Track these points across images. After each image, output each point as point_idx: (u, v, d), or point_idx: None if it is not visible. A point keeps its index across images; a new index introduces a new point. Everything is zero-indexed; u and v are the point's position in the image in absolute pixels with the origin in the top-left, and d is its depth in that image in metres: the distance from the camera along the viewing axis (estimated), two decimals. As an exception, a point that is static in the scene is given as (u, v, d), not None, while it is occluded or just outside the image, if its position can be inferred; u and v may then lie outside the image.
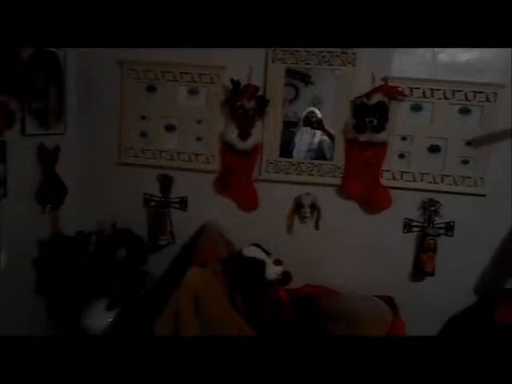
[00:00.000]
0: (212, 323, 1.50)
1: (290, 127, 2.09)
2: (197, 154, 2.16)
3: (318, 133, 2.10)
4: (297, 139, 2.12)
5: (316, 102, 2.07)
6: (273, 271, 1.80)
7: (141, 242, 2.06)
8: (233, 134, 2.07)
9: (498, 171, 2.00)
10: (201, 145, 2.16)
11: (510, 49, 1.92)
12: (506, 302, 1.92)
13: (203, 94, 2.13)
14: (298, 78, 2.05)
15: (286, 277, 1.87)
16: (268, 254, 1.87)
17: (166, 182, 2.19)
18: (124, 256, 1.92)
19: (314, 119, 2.07)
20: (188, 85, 2.12)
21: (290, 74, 2.04)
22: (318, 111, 2.07)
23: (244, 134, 2.06)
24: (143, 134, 2.18)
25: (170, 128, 2.17)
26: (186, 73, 2.11)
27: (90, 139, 2.21)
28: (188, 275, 1.54)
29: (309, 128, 2.09)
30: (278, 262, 1.84)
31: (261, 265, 1.78)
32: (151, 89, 2.15)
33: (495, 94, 1.95)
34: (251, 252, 1.82)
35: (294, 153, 2.12)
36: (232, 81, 2.03)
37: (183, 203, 2.21)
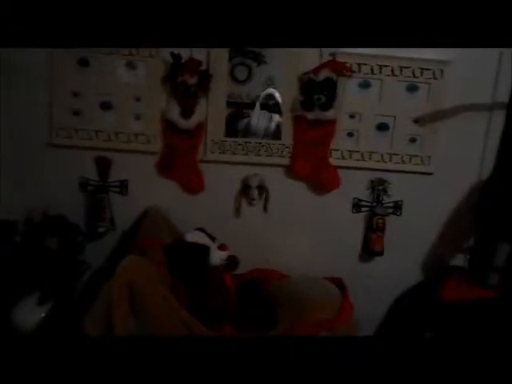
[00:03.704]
0: (150, 316, 1.40)
1: (243, 108, 1.98)
2: (136, 134, 2.01)
3: (276, 116, 2.00)
4: (253, 122, 2.01)
5: (270, 83, 1.98)
6: (217, 257, 1.71)
7: (76, 229, 1.90)
8: (175, 112, 1.93)
9: (445, 149, 2.00)
10: (141, 124, 2.00)
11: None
12: (452, 280, 1.93)
13: (142, 69, 1.96)
14: (250, 58, 1.95)
15: (232, 262, 1.79)
16: (213, 238, 1.78)
17: (103, 165, 2.03)
18: (56, 246, 1.76)
19: (272, 102, 1.98)
20: (125, 58, 1.96)
21: (243, 53, 1.94)
22: (276, 93, 1.98)
23: (187, 112, 1.93)
24: (76, 113, 2.00)
25: (106, 106, 1.99)
26: (122, 45, 1.94)
27: (16, 118, 2.00)
28: (122, 264, 1.42)
29: (265, 111, 1.99)
30: (223, 247, 1.75)
31: (204, 250, 1.68)
32: (84, 62, 1.96)
33: (442, 70, 1.93)
34: (194, 237, 1.72)
35: (244, 134, 2.01)
36: (172, 54, 1.89)
37: (123, 187, 2.07)
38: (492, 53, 1.93)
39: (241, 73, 1.96)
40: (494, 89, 1.97)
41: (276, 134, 2.01)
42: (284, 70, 1.95)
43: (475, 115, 1.98)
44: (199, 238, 1.73)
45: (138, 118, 2.00)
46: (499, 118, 1.99)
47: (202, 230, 1.79)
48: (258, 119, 2.00)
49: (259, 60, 1.96)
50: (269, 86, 1.98)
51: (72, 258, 1.85)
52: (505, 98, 1.96)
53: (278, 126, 2.00)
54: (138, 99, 1.99)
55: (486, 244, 1.84)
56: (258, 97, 1.98)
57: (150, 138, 2.01)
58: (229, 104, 1.98)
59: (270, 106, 1.99)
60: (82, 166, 2.04)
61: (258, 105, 1.99)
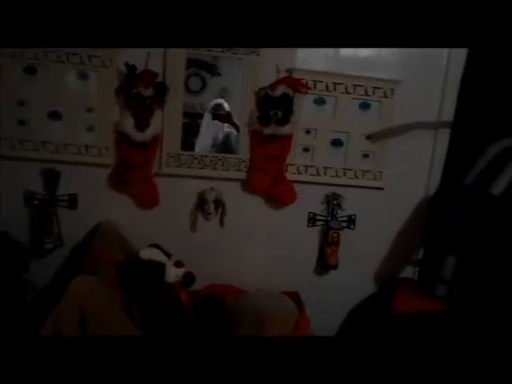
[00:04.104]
0: (102, 339, 1.33)
1: (197, 119, 1.97)
2: (87, 146, 1.93)
3: (225, 126, 2.01)
4: (203, 132, 2.00)
5: (223, 94, 1.98)
6: (173, 274, 1.66)
7: (19, 246, 1.79)
8: (129, 124, 1.87)
9: (395, 165, 2.08)
10: (92, 135, 1.93)
11: (406, 48, 2.00)
12: (402, 291, 2.00)
13: (94, 79, 1.89)
14: (204, 69, 1.94)
15: (188, 278, 1.74)
16: (168, 255, 1.72)
17: (51, 178, 1.93)
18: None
19: (222, 112, 1.98)
20: (75, 67, 1.88)
21: (197, 64, 1.92)
22: (225, 103, 1.98)
23: (141, 125, 1.88)
24: (22, 123, 1.89)
25: (54, 116, 1.90)
26: (72, 53, 1.86)
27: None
28: (72, 285, 1.35)
29: (216, 121, 1.99)
30: (179, 264, 1.71)
31: (159, 268, 1.63)
32: (31, 70, 1.86)
33: (392, 90, 2.01)
34: (149, 254, 1.66)
35: (199, 146, 2.01)
36: (127, 65, 1.83)
37: (72, 201, 1.97)
38: (439, 74, 2.04)
39: (195, 83, 1.95)
40: (439, 108, 2.07)
41: (232, 147, 2.01)
42: (239, 83, 1.95)
43: (423, 133, 2.08)
44: (154, 255, 1.67)
45: (89, 129, 1.93)
46: (444, 136, 2.10)
47: (156, 246, 1.73)
48: (208, 129, 2.00)
49: (213, 71, 1.95)
50: (222, 97, 1.98)
51: (15, 278, 1.73)
52: (450, 117, 2.07)
53: (235, 140, 2.00)
54: (90, 110, 1.91)
55: (434, 256, 1.92)
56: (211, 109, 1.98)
57: (102, 150, 1.93)
58: (183, 114, 1.95)
59: (221, 116, 1.99)
60: (28, 178, 1.93)
61: (206, 115, 1.98)
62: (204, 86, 1.96)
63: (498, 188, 1.68)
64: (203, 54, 1.91)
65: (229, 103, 1.99)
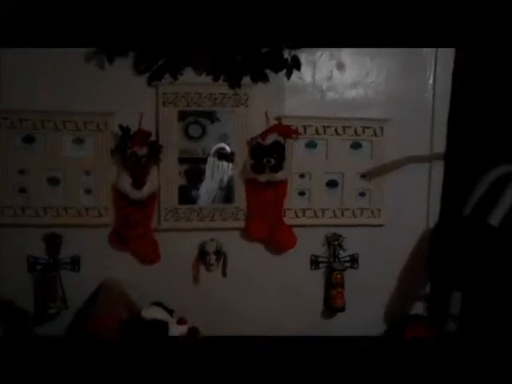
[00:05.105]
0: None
1: (199, 164, 2.01)
2: (87, 208, 1.96)
3: (230, 168, 2.02)
4: (208, 175, 2.02)
5: (224, 138, 2.01)
6: (177, 332, 1.65)
7: (23, 315, 1.79)
8: (126, 184, 1.92)
9: (393, 201, 2.08)
10: (91, 197, 1.97)
11: (391, 86, 2.05)
12: (413, 329, 1.96)
13: (90, 143, 1.95)
14: (203, 116, 1.99)
15: (192, 334, 1.73)
16: (171, 312, 1.72)
17: (53, 242, 1.96)
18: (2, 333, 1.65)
19: (226, 152, 2.01)
20: (72, 133, 1.95)
21: (196, 113, 1.98)
22: (227, 146, 2.01)
23: (138, 183, 1.92)
24: (23, 190, 1.94)
25: (53, 181, 1.95)
26: (69, 121, 1.93)
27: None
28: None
29: (220, 163, 2.02)
30: (182, 321, 1.70)
31: (163, 327, 1.62)
32: (29, 139, 1.93)
33: (382, 128, 2.04)
34: (151, 313, 1.66)
35: (203, 190, 2.02)
36: (121, 127, 1.90)
37: (75, 263, 1.99)
38: (426, 107, 2.08)
39: (195, 130, 1.99)
40: (430, 141, 2.10)
41: (229, 197, 2.03)
42: (234, 131, 2.00)
43: (417, 166, 2.09)
44: (156, 314, 1.67)
45: (87, 191, 1.97)
46: (439, 167, 2.11)
47: (158, 304, 1.73)
48: (213, 172, 2.02)
49: (212, 118, 2.00)
50: (223, 141, 2.02)
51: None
52: (442, 149, 2.09)
53: (232, 190, 2.02)
54: (88, 172, 1.96)
55: (441, 291, 1.89)
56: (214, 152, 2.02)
57: (102, 210, 1.97)
58: (184, 160, 1.99)
59: (225, 156, 2.02)
60: (31, 244, 1.96)
61: (210, 158, 2.01)
62: (204, 132, 2.00)
63: (495, 218, 1.67)
64: (192, 109, 1.97)
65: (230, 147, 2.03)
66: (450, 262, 1.77)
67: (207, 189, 2.04)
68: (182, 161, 1.99)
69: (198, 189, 2.02)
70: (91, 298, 1.96)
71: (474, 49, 2.00)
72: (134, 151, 1.89)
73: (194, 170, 2.01)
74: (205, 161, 2.01)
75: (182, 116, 1.97)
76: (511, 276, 1.57)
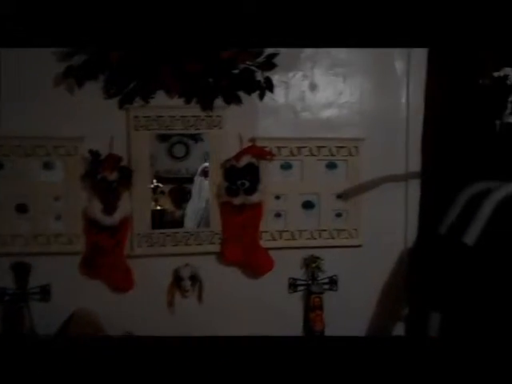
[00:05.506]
0: None
1: (183, 183, 2.01)
2: (56, 235, 1.91)
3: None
4: (195, 195, 2.03)
5: (207, 158, 2.00)
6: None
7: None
8: (97, 209, 1.87)
9: (370, 221, 2.06)
10: (60, 224, 1.91)
11: (365, 105, 2.05)
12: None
13: (60, 168, 1.91)
14: (187, 136, 1.98)
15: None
16: (143, 342, 1.66)
17: (21, 271, 1.89)
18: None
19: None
20: (41, 159, 1.90)
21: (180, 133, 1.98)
22: None
23: (109, 209, 1.87)
24: (-12, 219, 1.89)
25: (22, 209, 1.90)
26: (38, 146, 1.89)
27: None
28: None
29: (206, 183, 2.00)
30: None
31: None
32: (-3, 166, 1.88)
33: (356, 147, 2.04)
34: (121, 345, 1.60)
35: (190, 210, 2.03)
36: (91, 151, 1.86)
37: (45, 292, 1.92)
38: (400, 126, 2.08)
39: (179, 150, 1.99)
40: (406, 159, 2.09)
41: (204, 221, 2.00)
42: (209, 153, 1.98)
43: (393, 186, 2.08)
44: (127, 345, 1.60)
45: (57, 217, 1.92)
46: (415, 186, 2.10)
47: (129, 334, 1.67)
48: (199, 191, 2.01)
49: (196, 138, 1.99)
50: (206, 160, 2.01)
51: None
52: (417, 167, 2.09)
53: (206, 213, 1.99)
54: (57, 198, 1.91)
55: (420, 312, 1.86)
56: (197, 171, 2.02)
57: (72, 237, 1.91)
58: (169, 180, 2.01)
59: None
60: (-2, 274, 1.89)
61: (197, 178, 2.01)
62: (188, 152, 1.99)
63: (470, 237, 1.66)
64: (164, 133, 1.95)
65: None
66: (428, 282, 1.74)
67: (194, 208, 2.03)
68: (166, 181, 2.01)
69: (184, 209, 2.03)
70: (62, 329, 1.89)
71: (447, 62, 2.00)
72: (105, 176, 1.85)
73: (179, 190, 2.01)
74: (189, 180, 2.01)
75: (165, 136, 1.97)
76: (485, 296, 1.55)
